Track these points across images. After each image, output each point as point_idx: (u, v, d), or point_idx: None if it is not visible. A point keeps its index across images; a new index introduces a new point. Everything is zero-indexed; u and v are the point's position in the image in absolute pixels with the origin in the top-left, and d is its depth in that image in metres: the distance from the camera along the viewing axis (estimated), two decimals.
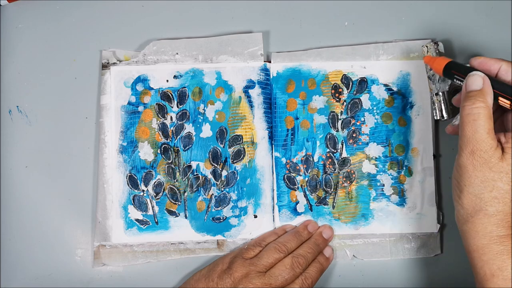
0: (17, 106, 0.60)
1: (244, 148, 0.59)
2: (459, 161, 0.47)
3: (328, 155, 0.59)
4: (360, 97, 0.60)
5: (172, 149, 0.59)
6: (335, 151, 0.59)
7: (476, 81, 0.47)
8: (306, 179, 0.59)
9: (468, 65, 0.51)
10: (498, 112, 0.51)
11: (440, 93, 0.59)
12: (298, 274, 0.53)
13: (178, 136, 0.59)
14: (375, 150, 0.59)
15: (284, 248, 0.54)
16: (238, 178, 0.59)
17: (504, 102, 0.46)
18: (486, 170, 0.45)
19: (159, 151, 0.59)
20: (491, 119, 0.46)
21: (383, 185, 0.59)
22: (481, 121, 0.46)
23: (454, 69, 0.51)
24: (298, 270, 0.53)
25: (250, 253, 0.55)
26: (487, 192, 0.45)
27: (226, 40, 0.60)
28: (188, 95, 0.60)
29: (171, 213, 0.59)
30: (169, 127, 0.59)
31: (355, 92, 0.60)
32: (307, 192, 0.59)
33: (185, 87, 0.60)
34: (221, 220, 0.59)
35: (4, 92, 0.60)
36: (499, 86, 0.47)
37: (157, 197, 0.59)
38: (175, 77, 0.60)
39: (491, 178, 0.45)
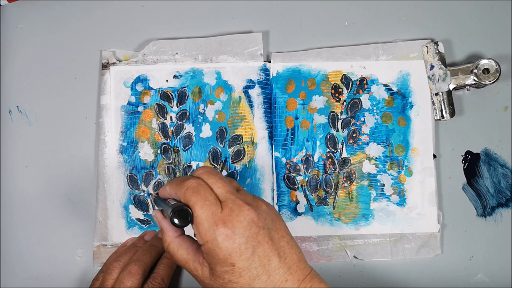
0: (17, 106, 0.60)
1: (244, 148, 0.59)
2: None
3: (328, 155, 0.59)
4: (360, 97, 0.60)
5: (172, 149, 0.59)
6: (335, 151, 0.59)
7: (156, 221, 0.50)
8: (306, 179, 0.59)
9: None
10: None
11: (440, 93, 0.59)
12: (140, 279, 0.51)
13: (178, 136, 0.59)
14: (375, 150, 0.59)
15: (117, 265, 0.52)
16: (238, 178, 0.59)
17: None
18: None
19: (159, 151, 0.59)
20: (181, 247, 0.48)
21: (383, 185, 0.59)
22: (174, 257, 0.48)
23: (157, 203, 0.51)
24: (136, 278, 0.51)
25: (96, 283, 0.53)
26: None
27: (226, 40, 0.60)
28: (188, 95, 0.60)
29: None
30: (169, 127, 0.59)
31: (355, 92, 0.60)
32: (307, 192, 0.59)
33: (185, 87, 0.60)
34: None
35: (4, 92, 0.60)
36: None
37: None
38: (174, 77, 0.60)
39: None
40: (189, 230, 0.47)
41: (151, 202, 0.59)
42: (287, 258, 0.46)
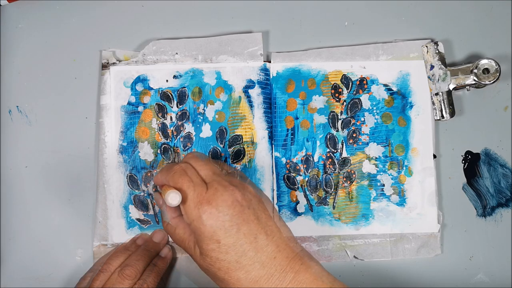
0: (17, 106, 0.60)
1: (244, 148, 0.59)
2: None
3: (328, 155, 0.59)
4: (360, 97, 0.60)
5: (172, 149, 0.59)
6: (335, 151, 0.59)
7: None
8: (306, 179, 0.59)
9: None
10: None
11: (440, 93, 0.59)
12: (132, 284, 0.51)
13: (178, 136, 0.59)
14: (375, 150, 0.59)
15: (107, 267, 0.52)
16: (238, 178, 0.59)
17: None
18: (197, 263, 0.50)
19: (159, 151, 0.59)
20: (178, 227, 0.51)
21: (383, 185, 0.59)
22: (172, 237, 0.52)
23: None
24: (128, 281, 0.50)
25: (83, 282, 0.53)
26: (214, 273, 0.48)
27: (226, 40, 0.60)
28: (188, 95, 0.60)
29: None
30: (169, 127, 0.59)
31: (354, 92, 0.60)
32: (307, 192, 0.59)
33: (184, 87, 0.60)
34: None
35: (4, 92, 0.60)
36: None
37: None
38: (174, 77, 0.60)
39: (206, 267, 0.48)
40: None
41: (151, 202, 0.59)
42: (274, 237, 0.47)
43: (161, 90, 0.60)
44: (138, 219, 0.58)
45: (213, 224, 0.46)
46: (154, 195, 0.52)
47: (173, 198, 0.47)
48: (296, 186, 0.59)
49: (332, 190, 0.59)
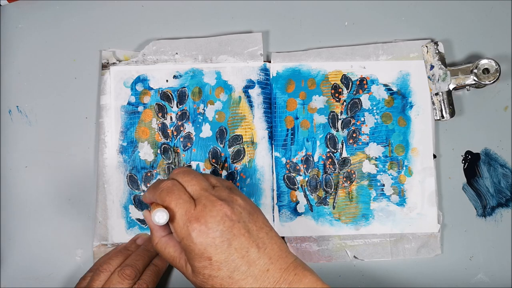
0: (17, 106, 0.60)
1: (244, 148, 0.59)
2: None
3: (328, 155, 0.59)
4: (360, 97, 0.60)
5: (172, 149, 0.59)
6: (335, 151, 0.59)
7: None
8: (306, 179, 0.59)
9: None
10: None
11: (440, 93, 0.59)
12: (132, 284, 0.51)
13: (178, 136, 0.59)
14: (375, 150, 0.59)
15: (107, 267, 0.52)
16: (238, 178, 0.59)
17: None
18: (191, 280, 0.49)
19: (159, 151, 0.59)
20: (169, 245, 0.50)
21: (383, 185, 0.59)
22: (162, 255, 0.50)
23: None
24: (128, 281, 0.50)
25: (83, 282, 0.53)
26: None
27: (225, 40, 0.60)
28: (188, 95, 0.60)
29: None
30: (169, 127, 0.59)
31: (354, 92, 0.60)
32: (307, 192, 0.59)
33: (184, 87, 0.60)
34: None
35: (4, 92, 0.60)
36: None
37: None
38: (174, 77, 0.60)
39: (199, 284, 0.47)
40: None
41: None
42: (266, 249, 0.47)
43: (161, 90, 0.60)
44: (138, 219, 0.58)
45: (203, 241, 0.45)
46: (144, 213, 0.50)
47: (159, 217, 0.46)
48: (296, 186, 0.59)
49: (332, 190, 0.59)
